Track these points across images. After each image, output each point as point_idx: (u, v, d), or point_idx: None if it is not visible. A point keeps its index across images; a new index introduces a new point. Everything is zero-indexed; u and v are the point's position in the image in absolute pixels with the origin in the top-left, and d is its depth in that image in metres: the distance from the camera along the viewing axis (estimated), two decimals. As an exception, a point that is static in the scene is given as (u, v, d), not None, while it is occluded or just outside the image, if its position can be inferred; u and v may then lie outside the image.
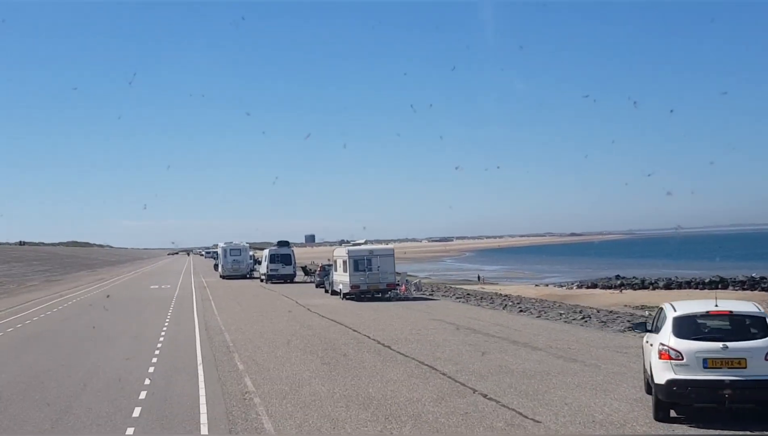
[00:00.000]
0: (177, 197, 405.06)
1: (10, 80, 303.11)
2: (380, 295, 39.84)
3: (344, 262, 39.71)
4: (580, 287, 65.46)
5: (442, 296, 45.98)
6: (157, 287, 61.55)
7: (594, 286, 64.55)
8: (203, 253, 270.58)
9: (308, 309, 36.53)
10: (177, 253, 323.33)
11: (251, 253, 74.06)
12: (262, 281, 63.82)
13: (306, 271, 63.23)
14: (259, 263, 69.00)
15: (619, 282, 65.13)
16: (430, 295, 46.05)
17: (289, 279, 61.19)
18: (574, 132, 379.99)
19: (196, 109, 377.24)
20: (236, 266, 71.91)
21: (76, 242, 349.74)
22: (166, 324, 31.32)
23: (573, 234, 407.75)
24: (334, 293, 43.35)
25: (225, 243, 73.35)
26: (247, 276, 72.27)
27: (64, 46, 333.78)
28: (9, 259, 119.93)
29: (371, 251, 39.35)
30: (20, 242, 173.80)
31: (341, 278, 40.85)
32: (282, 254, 61.52)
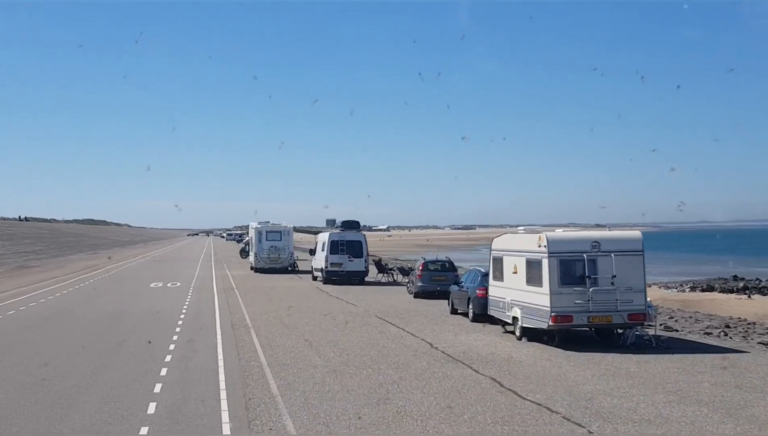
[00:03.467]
0: (181, 161, 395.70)
1: (12, 35, 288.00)
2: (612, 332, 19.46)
3: (533, 263, 19.17)
4: (693, 289, 50.70)
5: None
6: (160, 284, 41.47)
7: (710, 288, 50.77)
8: (224, 235, 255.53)
9: (473, 368, 16.30)
10: (197, 234, 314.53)
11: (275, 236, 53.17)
12: (315, 278, 43.78)
13: (403, 271, 42.96)
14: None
15: (741, 285, 51.45)
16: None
17: (357, 279, 40.99)
18: (580, 105, 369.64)
19: (202, 71, 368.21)
20: (275, 255, 51.84)
21: (92, 220, 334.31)
22: None
23: (598, 225, 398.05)
24: (479, 316, 23.19)
25: (260, 223, 53.19)
26: (289, 270, 52.18)
27: (70, 3, 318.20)
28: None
29: (596, 242, 18.71)
30: (21, 217, 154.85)
31: (535, 296, 19.36)
32: (349, 242, 41.34)
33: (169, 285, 40.53)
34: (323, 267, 41.37)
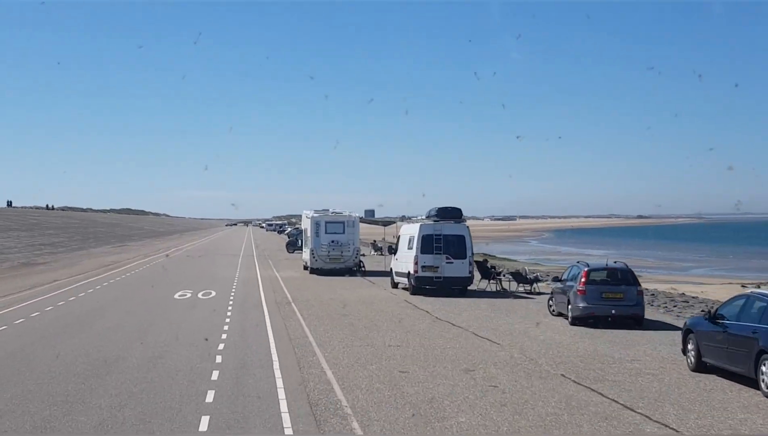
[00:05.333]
0: (238, 160, 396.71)
1: (76, 35, 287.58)
2: None
3: None
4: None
5: None
6: (188, 295, 30.17)
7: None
8: (263, 225, 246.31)
9: None
10: (236, 224, 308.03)
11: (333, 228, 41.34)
12: (395, 285, 32.32)
13: (520, 277, 31.33)
14: (379, 249, 37.83)
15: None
16: None
17: (458, 288, 29.38)
18: (637, 104, 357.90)
19: (259, 72, 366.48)
20: (337, 252, 40.40)
21: (130, 210, 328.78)
22: None
23: (640, 217, 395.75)
24: None
25: (317, 212, 41.71)
26: (355, 271, 40.73)
27: (130, 4, 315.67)
28: (14, 226, 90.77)
29: None
30: (49, 206, 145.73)
31: None
32: (448, 237, 29.65)
33: (200, 296, 29.17)
34: (411, 271, 29.73)
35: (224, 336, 18.56)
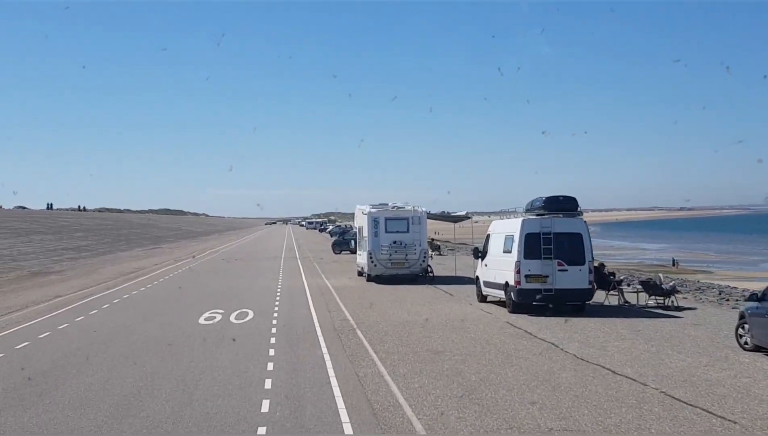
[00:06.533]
0: (262, 160, 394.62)
1: (100, 39, 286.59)
2: None
3: None
4: None
5: None
6: (218, 317, 23.28)
7: None
8: (303, 223, 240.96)
9: None
10: (275, 222, 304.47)
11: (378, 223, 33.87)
12: (483, 299, 25.01)
13: (652, 287, 23.82)
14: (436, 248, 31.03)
15: None
16: None
17: (576, 304, 21.85)
18: (664, 97, 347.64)
19: (283, 71, 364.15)
20: (401, 255, 33.23)
21: (169, 210, 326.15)
22: None
23: (683, 209, 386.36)
24: None
25: (375, 207, 34.47)
26: (423, 277, 33.53)
27: (153, 5, 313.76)
28: (41, 229, 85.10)
29: None
30: (80, 207, 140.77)
31: None
32: (560, 236, 22.12)
33: (232, 319, 22.04)
34: (510, 282, 22.29)
35: (265, 406, 11.33)
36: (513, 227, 22.69)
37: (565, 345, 16.74)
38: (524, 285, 21.84)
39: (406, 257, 33.15)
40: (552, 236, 21.90)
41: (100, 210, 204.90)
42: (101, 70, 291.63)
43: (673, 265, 62.99)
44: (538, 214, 22.55)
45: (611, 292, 24.53)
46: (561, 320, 20.73)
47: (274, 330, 19.61)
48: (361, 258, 35.51)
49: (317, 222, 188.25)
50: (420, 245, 33.45)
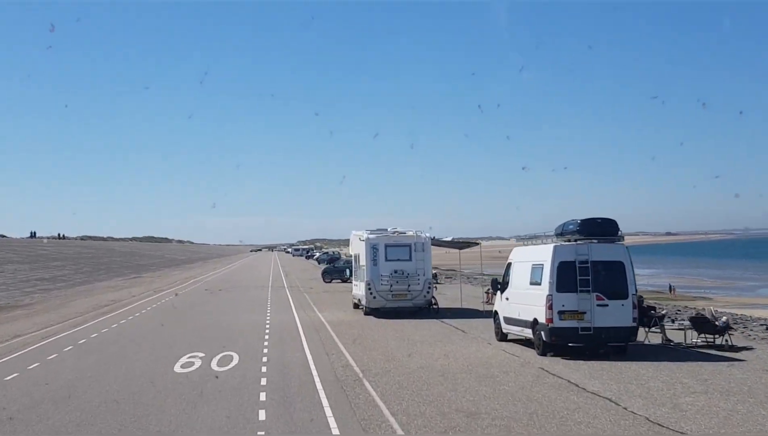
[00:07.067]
0: (246, 196, 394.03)
1: (83, 78, 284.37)
2: None
3: None
4: None
5: None
6: (196, 364, 20.10)
7: None
8: (288, 250, 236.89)
9: None
10: (260, 249, 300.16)
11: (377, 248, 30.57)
12: (503, 337, 21.82)
13: (703, 323, 20.54)
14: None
15: None
16: None
17: (618, 344, 18.62)
18: (642, 133, 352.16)
19: (265, 109, 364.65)
20: (402, 285, 29.99)
21: (153, 238, 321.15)
22: None
23: (669, 233, 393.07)
24: None
25: (373, 233, 31.20)
26: (430, 309, 30.34)
27: (136, 45, 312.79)
28: (16, 258, 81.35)
29: None
30: (59, 235, 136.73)
31: None
32: (599, 265, 18.89)
33: (214, 365, 18.63)
34: (541, 320, 19.04)
35: None
36: (542, 254, 19.48)
37: (626, 401, 13.49)
38: (557, 323, 18.59)
39: (408, 288, 29.89)
40: (589, 264, 18.70)
41: (83, 238, 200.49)
42: (84, 108, 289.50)
43: (670, 291, 61.25)
44: (572, 239, 19.35)
45: (652, 328, 21.30)
46: (605, 364, 17.52)
47: (263, 381, 16.25)
48: (358, 289, 32.18)
49: (303, 249, 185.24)
50: (424, 275, 30.21)
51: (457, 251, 35.75)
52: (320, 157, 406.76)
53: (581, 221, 19.23)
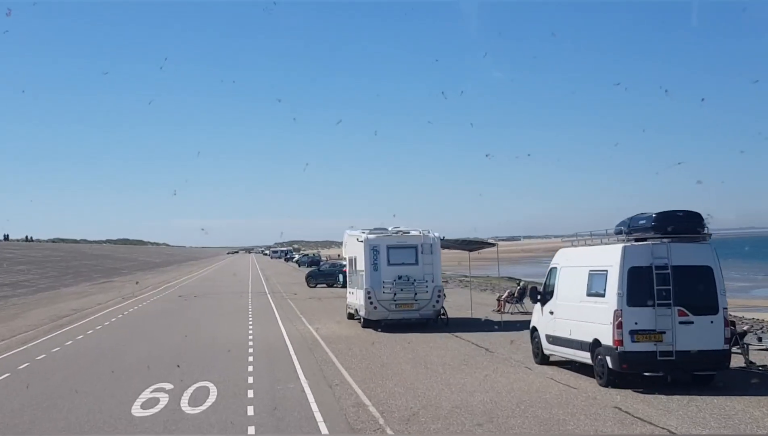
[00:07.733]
0: (207, 185, 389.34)
1: (40, 66, 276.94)
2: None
3: None
4: None
5: None
6: (164, 400, 16.02)
7: None
8: (266, 252, 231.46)
9: None
10: (237, 251, 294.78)
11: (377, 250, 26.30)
12: (544, 359, 17.64)
13: None
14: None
15: None
16: None
17: (707, 371, 14.39)
18: (605, 120, 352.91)
19: (226, 95, 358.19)
20: (408, 293, 25.72)
21: (127, 240, 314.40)
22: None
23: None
24: None
25: (372, 232, 26.85)
26: (439, 321, 26.10)
27: (94, 30, 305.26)
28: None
29: None
30: (28, 237, 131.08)
31: None
32: (680, 271, 14.71)
33: (184, 405, 14.25)
34: (602, 341, 14.85)
35: None
36: (605, 257, 15.27)
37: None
38: (629, 346, 14.41)
39: (414, 297, 25.63)
40: (669, 270, 14.53)
41: (54, 240, 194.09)
42: (41, 94, 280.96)
43: None
44: (644, 237, 15.17)
45: (733, 348, 17.19)
46: (697, 401, 13.39)
47: (251, 431, 11.91)
48: (355, 297, 27.84)
49: (282, 251, 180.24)
50: (432, 281, 25.95)
51: (467, 252, 31.49)
52: (283, 144, 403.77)
53: (656, 214, 15.05)
